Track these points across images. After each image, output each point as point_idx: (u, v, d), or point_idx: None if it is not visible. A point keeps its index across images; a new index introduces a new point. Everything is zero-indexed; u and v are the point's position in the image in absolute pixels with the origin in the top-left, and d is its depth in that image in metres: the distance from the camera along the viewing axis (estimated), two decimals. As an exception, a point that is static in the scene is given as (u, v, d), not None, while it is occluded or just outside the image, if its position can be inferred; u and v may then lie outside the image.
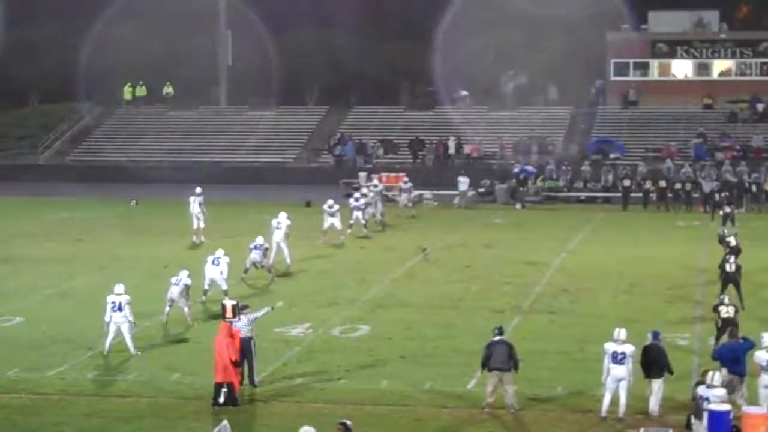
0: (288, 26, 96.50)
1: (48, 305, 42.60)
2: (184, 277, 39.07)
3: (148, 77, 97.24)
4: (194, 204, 55.43)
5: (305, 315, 40.48)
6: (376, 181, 68.66)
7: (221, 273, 41.63)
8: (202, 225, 55.51)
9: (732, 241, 46.22)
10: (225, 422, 22.69)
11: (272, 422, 28.27)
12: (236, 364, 29.96)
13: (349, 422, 22.07)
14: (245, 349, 30.85)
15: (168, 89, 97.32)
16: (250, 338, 31.31)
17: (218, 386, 29.44)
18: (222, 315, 31.53)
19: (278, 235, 50.05)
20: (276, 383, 31.69)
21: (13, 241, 58.12)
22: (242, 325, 31.08)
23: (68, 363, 33.84)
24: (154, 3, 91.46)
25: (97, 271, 48.76)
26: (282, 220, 50.45)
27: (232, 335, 29.99)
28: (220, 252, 42.25)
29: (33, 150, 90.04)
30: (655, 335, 29.30)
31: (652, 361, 28.32)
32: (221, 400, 29.27)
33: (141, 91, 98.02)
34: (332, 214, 57.88)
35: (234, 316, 31.05)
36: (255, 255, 45.35)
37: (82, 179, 78.66)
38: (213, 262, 41.93)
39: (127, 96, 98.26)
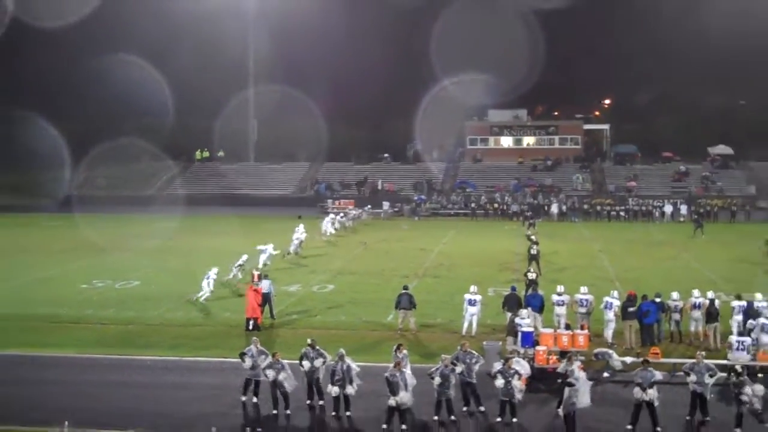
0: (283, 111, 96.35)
1: (155, 275, 42.52)
2: (241, 261, 38.97)
3: (207, 145, 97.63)
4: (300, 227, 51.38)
5: (298, 279, 40.94)
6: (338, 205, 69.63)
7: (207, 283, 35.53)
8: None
9: (533, 237, 47.11)
10: (254, 338, 23.38)
11: (280, 340, 28.40)
12: (260, 307, 30.69)
13: (312, 340, 22.87)
14: (266, 299, 31.56)
15: (220, 153, 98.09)
16: (269, 293, 32.00)
17: (248, 320, 30.15)
18: (251, 279, 32.34)
19: (298, 236, 49.53)
20: (282, 318, 32.26)
21: (132, 239, 58.05)
22: (264, 285, 31.79)
23: (165, 307, 34.37)
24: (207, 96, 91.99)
25: (183, 257, 48.68)
26: (300, 228, 50.48)
27: (256, 291, 30.69)
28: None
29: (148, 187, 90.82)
30: (513, 288, 30.34)
31: (513, 302, 29.05)
32: (250, 327, 29.94)
33: (205, 153, 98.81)
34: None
35: (259, 280, 31.88)
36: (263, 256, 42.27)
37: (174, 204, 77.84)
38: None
39: (198, 157, 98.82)
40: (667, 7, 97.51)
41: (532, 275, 34.54)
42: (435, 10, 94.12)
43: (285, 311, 33.31)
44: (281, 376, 21.64)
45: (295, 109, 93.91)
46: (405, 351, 22.45)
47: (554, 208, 73.84)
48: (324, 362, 22.17)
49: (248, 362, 22.37)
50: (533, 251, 42.53)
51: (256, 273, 33.40)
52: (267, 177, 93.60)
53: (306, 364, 22.05)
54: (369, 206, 75.22)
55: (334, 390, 21.31)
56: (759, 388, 19.71)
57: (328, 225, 58.73)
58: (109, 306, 34.66)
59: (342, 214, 64.51)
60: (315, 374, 22.12)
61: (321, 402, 22.01)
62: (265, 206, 79.87)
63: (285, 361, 21.92)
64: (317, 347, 22.42)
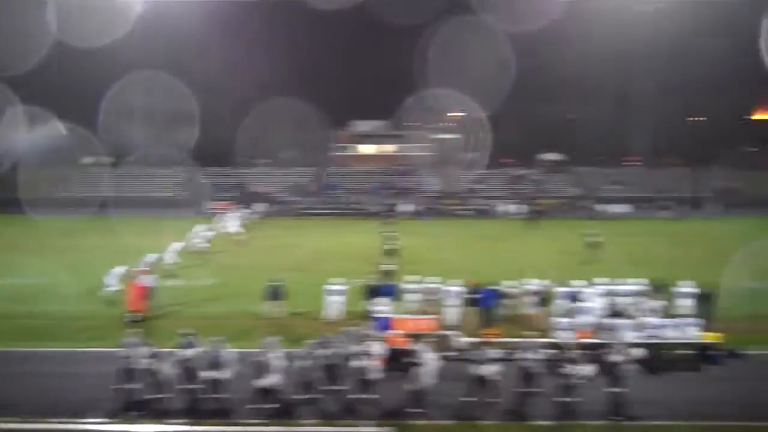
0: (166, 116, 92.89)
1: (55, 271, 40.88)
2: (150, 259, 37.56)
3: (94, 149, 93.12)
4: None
5: (184, 274, 40.19)
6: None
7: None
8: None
9: (391, 234, 47.54)
10: (134, 329, 22.76)
11: (160, 331, 27.66)
12: (143, 300, 29.86)
13: (189, 329, 22.43)
14: (149, 293, 30.67)
15: (105, 158, 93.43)
16: (152, 287, 31.12)
17: (130, 312, 29.30)
18: (134, 275, 31.46)
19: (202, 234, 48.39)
20: (164, 310, 31.52)
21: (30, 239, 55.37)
22: (148, 280, 30.98)
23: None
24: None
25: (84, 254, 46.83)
26: (200, 228, 49.66)
27: (138, 286, 29.92)
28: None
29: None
30: (372, 279, 30.61)
31: (371, 291, 29.22)
32: (132, 319, 28.83)
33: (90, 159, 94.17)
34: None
35: (141, 276, 31.09)
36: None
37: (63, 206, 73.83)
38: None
39: (86, 161, 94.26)
40: (511, 30, 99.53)
41: (388, 267, 34.82)
42: (311, 23, 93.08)
43: (167, 304, 32.56)
44: (159, 364, 21.15)
45: (177, 114, 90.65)
46: (274, 337, 22.28)
47: (407, 208, 74.50)
48: (200, 350, 21.75)
49: (127, 351, 21.70)
50: (391, 246, 42.88)
51: (139, 269, 32.53)
52: (150, 180, 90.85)
53: (183, 351, 21.59)
54: (248, 207, 73.92)
55: (209, 375, 20.96)
56: (588, 368, 20.56)
57: (229, 224, 56.47)
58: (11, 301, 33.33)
59: (238, 214, 62.74)
60: (191, 361, 21.66)
61: (197, 386, 21.58)
62: (150, 208, 77.57)
63: (163, 350, 21.43)
64: (194, 336, 22.00)
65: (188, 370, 21.41)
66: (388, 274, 33.37)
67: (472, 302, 28.45)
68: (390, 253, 42.09)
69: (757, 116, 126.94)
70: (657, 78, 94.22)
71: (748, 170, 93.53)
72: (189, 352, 21.50)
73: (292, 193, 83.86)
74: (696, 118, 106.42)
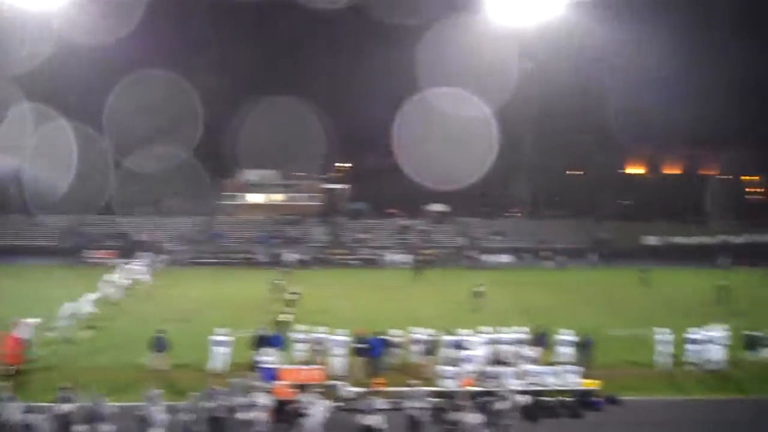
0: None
1: None
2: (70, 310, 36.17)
3: None
4: None
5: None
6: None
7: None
8: None
9: (284, 283, 47.73)
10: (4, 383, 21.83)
11: (36, 384, 26.66)
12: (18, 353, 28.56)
13: (67, 383, 21.67)
14: (24, 344, 29.37)
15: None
16: (27, 338, 29.80)
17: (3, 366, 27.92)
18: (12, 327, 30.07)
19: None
20: (41, 362, 30.25)
21: None
22: (24, 331, 29.66)
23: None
24: None
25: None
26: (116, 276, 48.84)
27: (13, 338, 28.56)
28: None
29: None
30: (263, 329, 30.35)
31: (259, 342, 28.82)
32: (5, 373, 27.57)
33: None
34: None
35: (18, 327, 29.72)
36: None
37: None
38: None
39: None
40: (395, 89, 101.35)
41: (283, 317, 34.57)
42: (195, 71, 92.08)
43: (44, 356, 31.16)
44: (34, 418, 20.28)
45: (55, 157, 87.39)
46: (157, 390, 21.72)
47: (293, 257, 74.17)
48: (77, 404, 20.98)
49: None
50: (289, 296, 42.46)
51: (16, 321, 31.14)
52: (32, 228, 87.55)
53: (59, 406, 20.77)
54: (133, 257, 71.57)
55: (86, 430, 20.21)
56: (473, 416, 20.82)
57: (137, 273, 54.04)
58: None
59: (145, 262, 60.58)
60: (68, 416, 20.85)
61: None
62: (31, 256, 74.44)
63: (39, 404, 20.60)
64: (71, 390, 21.22)
65: (65, 425, 20.60)
66: (283, 324, 33.11)
67: (359, 352, 28.45)
68: (288, 302, 41.64)
69: (630, 170, 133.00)
70: (536, 131, 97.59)
71: (621, 221, 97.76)
72: (66, 407, 20.70)
73: (179, 243, 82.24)
74: (575, 172, 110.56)
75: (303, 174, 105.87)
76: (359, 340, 28.68)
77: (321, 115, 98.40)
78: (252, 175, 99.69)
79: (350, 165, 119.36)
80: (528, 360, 26.83)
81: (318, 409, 20.92)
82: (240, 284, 58.94)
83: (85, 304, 39.06)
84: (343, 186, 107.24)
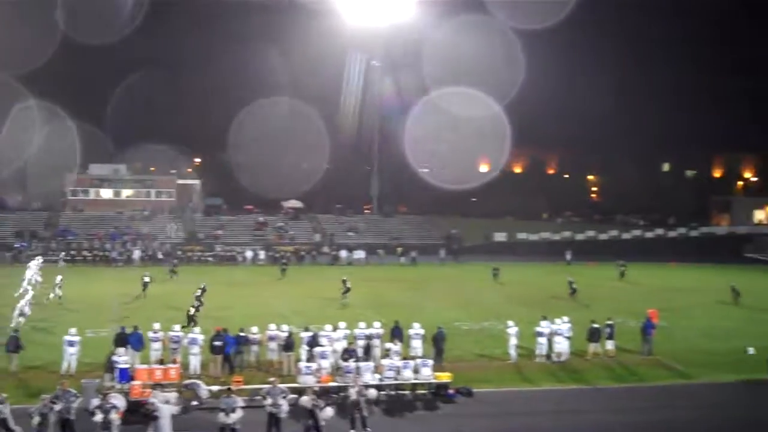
0: None
1: None
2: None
3: None
4: None
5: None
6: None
7: None
8: None
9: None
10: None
11: None
12: None
13: None
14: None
15: None
16: None
17: None
18: None
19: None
20: None
21: None
22: None
23: None
24: None
25: None
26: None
27: None
28: None
29: None
30: (122, 328, 29.26)
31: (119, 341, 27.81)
32: None
33: None
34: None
35: None
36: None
37: None
38: None
39: None
40: (247, 86, 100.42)
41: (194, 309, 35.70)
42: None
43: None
44: None
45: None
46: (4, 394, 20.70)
47: (136, 254, 72.44)
48: None
49: None
50: (200, 298, 41.21)
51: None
52: None
53: None
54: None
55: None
56: (328, 411, 20.87)
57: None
58: None
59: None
60: None
61: None
62: None
63: None
64: None
65: None
66: (194, 318, 34.06)
67: (213, 349, 28.03)
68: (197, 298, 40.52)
69: (483, 167, 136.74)
70: (391, 128, 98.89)
71: (471, 218, 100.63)
72: None
73: (23, 239, 78.19)
74: (428, 169, 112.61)
75: (155, 169, 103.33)
76: (217, 337, 28.22)
77: (172, 109, 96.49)
78: (100, 169, 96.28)
79: (204, 160, 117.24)
80: (393, 354, 27.08)
81: (170, 409, 20.38)
82: (90, 282, 56.72)
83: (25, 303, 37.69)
84: (198, 181, 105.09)
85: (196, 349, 27.91)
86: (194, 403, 23.70)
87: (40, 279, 49.88)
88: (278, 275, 61.13)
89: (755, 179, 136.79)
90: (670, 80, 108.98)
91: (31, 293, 41.10)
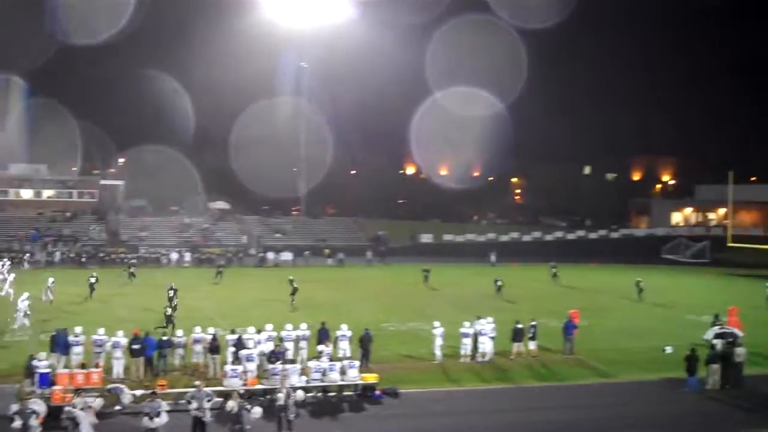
0: None
1: None
2: None
3: None
4: None
5: None
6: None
7: None
8: None
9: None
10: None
11: None
12: None
13: None
14: None
15: None
16: None
17: None
18: None
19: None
20: None
21: None
22: None
23: None
24: None
25: None
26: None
27: None
28: None
29: None
30: (147, 335, 28.67)
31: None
32: None
33: None
34: None
35: None
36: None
37: None
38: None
39: None
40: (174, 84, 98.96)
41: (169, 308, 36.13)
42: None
43: None
44: None
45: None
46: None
47: (57, 256, 70.90)
48: None
49: None
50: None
51: None
52: None
53: None
54: None
55: None
56: (257, 411, 20.71)
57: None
58: None
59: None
60: None
61: None
62: None
63: None
64: None
65: None
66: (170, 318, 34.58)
67: (134, 352, 27.52)
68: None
69: (408, 170, 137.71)
70: (314, 132, 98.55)
71: (398, 220, 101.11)
72: None
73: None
74: (356, 171, 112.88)
75: (76, 169, 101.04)
76: (136, 340, 27.74)
77: (96, 108, 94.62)
78: (20, 169, 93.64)
79: (128, 161, 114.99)
80: (324, 356, 26.98)
81: (89, 415, 19.99)
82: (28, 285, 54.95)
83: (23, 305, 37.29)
84: (121, 182, 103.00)
85: (119, 353, 27.37)
86: (117, 407, 23.36)
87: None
88: (208, 277, 60.02)
89: (673, 182, 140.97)
90: (592, 86, 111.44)
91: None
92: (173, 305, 39.27)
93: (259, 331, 29.21)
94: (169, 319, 35.49)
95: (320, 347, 27.85)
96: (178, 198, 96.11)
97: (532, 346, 32.57)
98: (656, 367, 30.92)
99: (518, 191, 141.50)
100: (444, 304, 47.51)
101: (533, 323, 32.99)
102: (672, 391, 27.54)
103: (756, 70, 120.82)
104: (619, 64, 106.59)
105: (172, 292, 41.85)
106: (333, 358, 27.06)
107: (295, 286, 46.85)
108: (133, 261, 66.57)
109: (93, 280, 48.93)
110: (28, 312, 36.49)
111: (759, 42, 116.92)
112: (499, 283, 52.50)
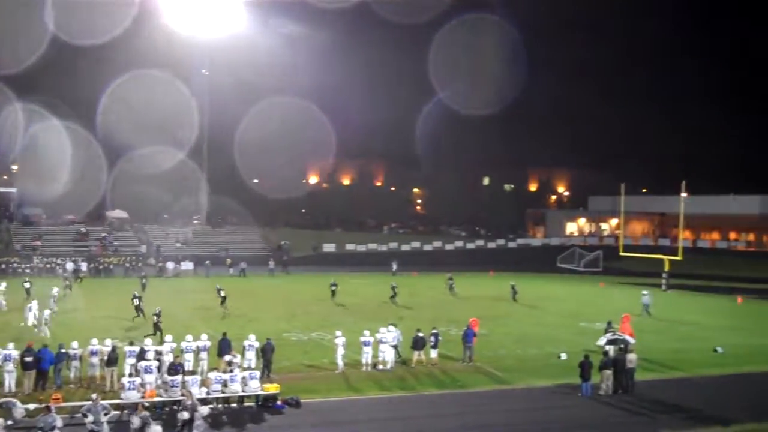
0: None
1: None
2: None
3: None
4: None
5: None
6: None
7: None
8: None
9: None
10: None
11: None
12: None
13: None
14: None
15: None
16: None
17: None
18: None
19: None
20: None
21: None
22: None
23: None
24: None
25: None
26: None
27: None
28: None
29: None
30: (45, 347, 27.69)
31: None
32: None
33: None
34: None
35: None
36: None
37: None
38: None
39: None
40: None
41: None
42: None
43: None
44: None
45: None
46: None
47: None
48: None
49: None
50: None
51: None
52: None
53: None
54: None
55: None
56: (156, 428, 20.28)
57: None
58: None
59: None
60: None
61: None
62: None
63: None
64: None
65: None
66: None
67: (25, 365, 26.56)
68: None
69: (311, 179, 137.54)
70: (220, 138, 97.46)
71: (301, 229, 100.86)
72: None
73: None
74: (259, 180, 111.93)
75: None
76: (28, 352, 26.79)
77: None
78: None
79: (22, 168, 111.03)
80: (234, 366, 26.62)
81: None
82: None
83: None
84: (14, 189, 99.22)
85: (10, 366, 26.39)
86: (9, 422, 22.52)
87: None
88: (97, 287, 58.37)
89: (567, 193, 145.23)
90: (490, 100, 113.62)
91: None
92: (140, 313, 41.25)
93: (159, 343, 28.62)
94: (156, 327, 35.67)
95: (228, 357, 27.54)
96: (74, 206, 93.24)
97: (433, 354, 32.92)
98: (552, 373, 31.70)
99: (420, 201, 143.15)
100: (345, 313, 47.63)
101: (434, 331, 33.35)
102: (566, 397, 28.26)
103: (646, 85, 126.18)
104: (516, 77, 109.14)
105: (137, 301, 42.71)
106: (241, 368, 26.77)
107: (223, 294, 47.08)
108: (27, 271, 64.12)
109: (27, 285, 49.15)
110: None
111: (648, 56, 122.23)
112: (395, 290, 52.92)
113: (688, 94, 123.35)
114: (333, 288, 56.70)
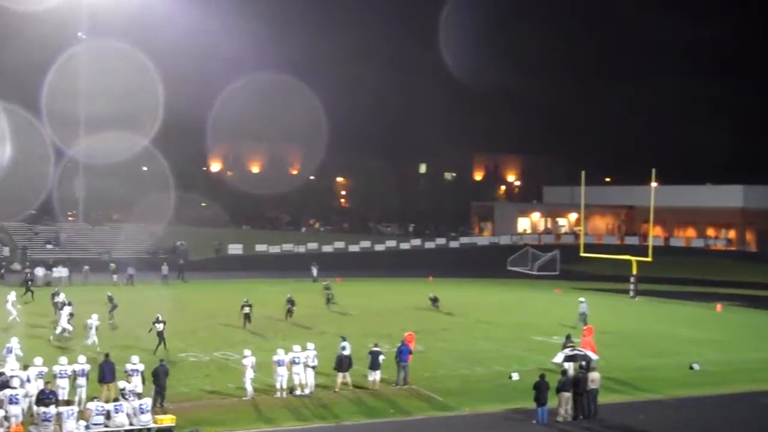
0: None
1: None
2: None
3: None
4: None
5: None
6: None
7: None
8: None
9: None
10: None
11: None
12: None
13: None
14: None
15: None
16: None
17: None
18: None
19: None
20: None
21: None
22: None
23: None
24: None
25: None
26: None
27: None
28: None
29: None
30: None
31: None
32: None
33: None
34: None
35: None
36: None
37: None
38: None
39: None
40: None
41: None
42: None
43: None
44: None
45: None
46: None
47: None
48: None
49: None
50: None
51: None
52: None
53: None
54: None
55: None
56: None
57: None
58: None
59: None
60: None
61: None
62: None
63: None
64: None
65: None
66: None
67: None
68: None
69: (213, 166, 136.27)
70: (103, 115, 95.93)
71: (201, 227, 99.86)
72: None
73: None
74: (148, 168, 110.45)
75: None
76: None
77: None
78: None
79: None
80: (128, 393, 26.18)
81: None
82: None
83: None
84: None
85: None
86: None
87: None
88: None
89: (518, 183, 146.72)
90: (429, 80, 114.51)
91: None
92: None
93: (25, 367, 28.07)
94: (160, 336, 38.90)
95: (122, 383, 27.12)
96: None
97: (373, 377, 32.86)
98: (501, 396, 31.99)
99: (344, 193, 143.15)
100: (255, 329, 47.23)
101: (376, 349, 33.28)
102: (519, 424, 28.56)
103: (609, 64, 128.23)
104: (461, 52, 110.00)
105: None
106: (117, 398, 26.33)
107: (115, 303, 48.33)
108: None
109: None
110: None
111: (609, 37, 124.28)
112: (292, 300, 51.20)
113: (658, 68, 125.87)
114: (245, 307, 49.98)
